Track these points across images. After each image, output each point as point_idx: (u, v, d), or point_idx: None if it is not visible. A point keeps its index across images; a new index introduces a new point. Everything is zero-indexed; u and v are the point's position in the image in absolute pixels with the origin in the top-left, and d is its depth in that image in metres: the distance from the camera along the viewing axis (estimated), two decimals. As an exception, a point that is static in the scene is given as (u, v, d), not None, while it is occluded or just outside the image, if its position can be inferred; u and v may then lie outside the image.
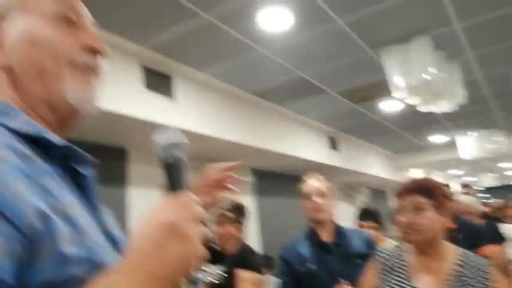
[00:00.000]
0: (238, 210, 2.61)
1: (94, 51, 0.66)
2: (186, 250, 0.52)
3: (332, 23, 2.84)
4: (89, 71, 0.66)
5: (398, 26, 3.01)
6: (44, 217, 0.49)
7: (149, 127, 3.16)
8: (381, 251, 1.61)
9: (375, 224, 2.86)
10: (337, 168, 6.02)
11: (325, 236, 1.97)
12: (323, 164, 5.55)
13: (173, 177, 0.59)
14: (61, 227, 0.50)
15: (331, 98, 4.43)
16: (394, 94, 3.39)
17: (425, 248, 1.44)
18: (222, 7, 2.54)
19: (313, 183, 2.04)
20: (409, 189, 1.46)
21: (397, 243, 1.88)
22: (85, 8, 0.71)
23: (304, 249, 1.95)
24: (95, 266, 0.52)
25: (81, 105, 0.65)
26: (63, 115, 0.64)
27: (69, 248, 0.50)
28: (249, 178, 5.34)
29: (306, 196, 2.01)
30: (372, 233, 2.79)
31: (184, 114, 3.44)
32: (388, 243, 2.79)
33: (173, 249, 0.51)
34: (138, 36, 2.83)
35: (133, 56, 3.02)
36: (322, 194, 1.99)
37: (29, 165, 0.53)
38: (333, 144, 5.93)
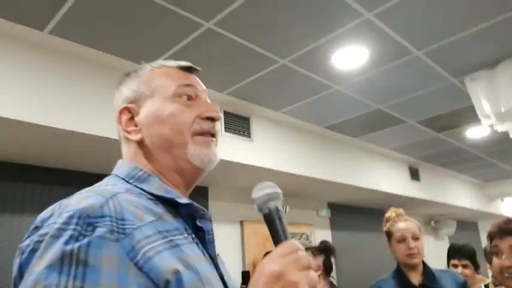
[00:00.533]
0: (324, 252, 2.57)
1: (211, 120, 0.78)
2: None
3: (410, 56, 2.79)
4: (208, 136, 0.78)
5: (482, 52, 2.86)
6: (175, 272, 0.57)
7: (227, 165, 3.29)
8: None
9: (469, 263, 2.64)
10: (419, 200, 5.68)
11: (415, 277, 1.91)
12: (403, 196, 5.29)
13: (275, 228, 0.62)
14: (188, 278, 0.58)
15: (410, 128, 4.27)
16: (482, 121, 3.19)
17: None
18: (299, 51, 2.62)
19: (405, 225, 1.96)
20: (507, 230, 1.36)
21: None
22: (199, 81, 0.83)
23: None
24: None
25: (204, 164, 0.77)
26: (190, 176, 0.77)
27: None
28: (325, 213, 5.25)
29: (400, 240, 1.93)
30: (465, 272, 2.58)
31: (262, 152, 3.53)
32: (481, 281, 2.56)
33: None
34: (219, 86, 3.01)
35: (214, 102, 3.20)
36: (416, 237, 1.92)
37: (162, 223, 0.64)
38: (414, 174, 5.64)
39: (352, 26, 2.39)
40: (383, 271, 2.07)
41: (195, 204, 0.72)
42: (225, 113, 3.28)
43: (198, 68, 0.84)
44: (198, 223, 0.72)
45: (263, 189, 0.66)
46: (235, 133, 3.32)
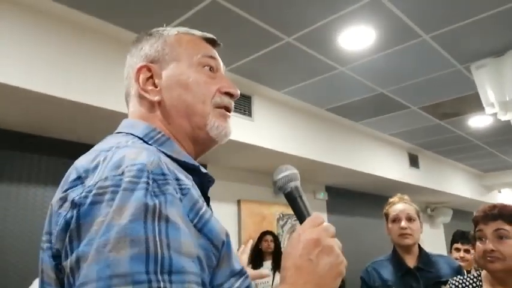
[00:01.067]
0: None
1: (230, 95, 0.79)
2: (332, 260, 0.62)
3: (417, 39, 2.74)
4: (226, 110, 0.78)
5: (490, 39, 2.81)
6: (227, 235, 0.60)
7: (227, 144, 3.26)
8: (457, 279, 1.57)
9: (471, 249, 2.70)
10: (417, 187, 5.70)
11: (410, 261, 1.92)
12: (402, 182, 5.30)
13: (298, 205, 0.69)
14: (230, 242, 0.61)
15: (413, 114, 4.24)
16: (486, 110, 3.16)
17: (506, 277, 1.38)
18: (304, 29, 2.57)
19: (401, 206, 1.97)
20: (492, 215, 1.41)
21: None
22: (219, 58, 0.83)
23: (388, 274, 1.92)
24: (248, 281, 0.62)
25: (220, 137, 0.77)
26: (203, 146, 0.77)
27: (236, 264, 0.61)
28: (323, 196, 5.27)
29: (394, 220, 1.95)
30: (466, 257, 2.64)
31: (262, 132, 3.51)
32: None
33: (322, 261, 0.61)
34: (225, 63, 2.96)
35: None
36: (410, 218, 1.93)
37: (196, 189, 0.62)
38: (413, 161, 5.64)
39: (360, 5, 2.34)
40: (378, 255, 2.09)
41: (209, 173, 0.72)
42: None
43: (220, 43, 0.85)
44: (208, 194, 0.74)
45: (283, 172, 0.72)
46: (236, 111, 3.29)
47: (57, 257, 0.54)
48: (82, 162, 0.59)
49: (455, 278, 1.59)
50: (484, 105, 3.13)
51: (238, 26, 2.48)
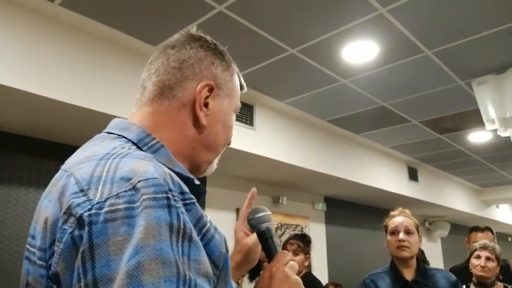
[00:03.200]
0: (303, 240, 2.71)
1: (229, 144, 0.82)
2: None
3: (420, 54, 2.77)
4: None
5: (492, 56, 2.85)
6: (227, 250, 0.61)
7: (227, 152, 3.28)
8: None
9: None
10: (416, 200, 5.71)
11: (408, 274, 1.94)
12: (400, 195, 5.31)
13: (268, 244, 0.77)
14: (228, 259, 0.61)
15: (413, 128, 4.27)
16: (486, 126, 3.18)
17: None
18: (309, 42, 2.60)
19: (400, 219, 1.98)
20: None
21: None
22: None
23: (385, 286, 1.94)
24: None
25: (206, 173, 0.80)
26: (193, 174, 0.73)
27: (231, 283, 0.62)
28: (321, 206, 5.27)
29: (393, 232, 1.96)
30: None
31: (264, 142, 3.53)
32: None
33: None
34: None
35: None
36: (409, 231, 1.95)
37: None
38: (412, 174, 5.65)
39: (365, 20, 2.37)
40: (375, 267, 2.09)
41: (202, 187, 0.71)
42: (230, 99, 3.26)
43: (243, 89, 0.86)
44: None
45: (259, 212, 0.81)
46: (238, 120, 3.31)
47: (54, 278, 0.51)
48: (81, 172, 0.55)
49: None
50: (485, 121, 3.16)
51: (244, 37, 2.51)
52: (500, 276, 2.62)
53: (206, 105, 0.72)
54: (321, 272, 4.62)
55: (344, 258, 5.32)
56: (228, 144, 0.81)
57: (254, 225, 0.80)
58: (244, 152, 3.35)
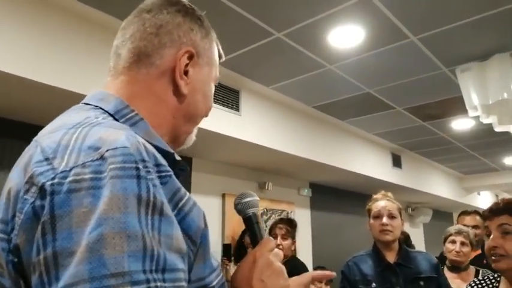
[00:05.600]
0: (290, 225, 2.74)
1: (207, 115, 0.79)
2: (282, 282, 0.66)
3: (405, 40, 2.78)
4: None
5: (475, 43, 2.87)
6: (206, 225, 0.58)
7: (214, 137, 3.28)
8: (476, 280, 1.52)
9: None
10: (399, 187, 5.80)
11: (390, 256, 1.97)
12: (384, 181, 5.38)
13: (254, 229, 0.76)
14: (207, 234, 0.58)
15: (397, 115, 4.31)
16: (469, 112, 3.23)
17: None
18: (295, 26, 2.58)
19: (384, 203, 2.00)
20: (497, 209, 1.32)
21: None
22: None
23: (368, 268, 1.97)
24: (223, 278, 0.61)
25: (186, 145, 0.77)
26: (173, 146, 0.72)
27: (211, 260, 0.59)
28: (306, 192, 5.32)
29: (375, 216, 1.99)
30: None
31: (249, 127, 3.52)
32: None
33: (273, 282, 0.64)
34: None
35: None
36: (392, 215, 1.97)
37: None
38: (396, 161, 5.73)
39: (351, 4, 2.36)
40: (359, 251, 2.12)
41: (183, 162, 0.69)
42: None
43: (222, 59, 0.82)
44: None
45: (245, 197, 0.78)
46: (223, 105, 3.29)
47: (15, 250, 0.48)
48: (48, 141, 0.52)
49: (474, 279, 1.53)
50: (468, 108, 3.20)
51: (229, 19, 2.48)
52: (485, 261, 2.66)
53: (186, 73, 0.69)
54: (306, 257, 4.67)
55: (328, 243, 5.39)
56: (206, 115, 0.78)
57: (241, 209, 0.78)
58: (230, 137, 3.34)
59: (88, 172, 0.47)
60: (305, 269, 2.70)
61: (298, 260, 2.74)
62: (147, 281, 0.43)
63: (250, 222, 0.77)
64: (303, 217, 5.12)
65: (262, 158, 4.06)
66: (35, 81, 2.17)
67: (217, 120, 3.20)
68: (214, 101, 3.13)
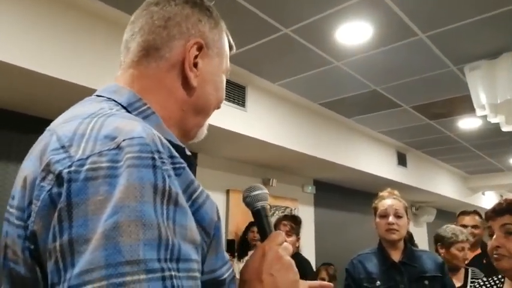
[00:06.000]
0: (295, 221, 2.74)
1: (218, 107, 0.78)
2: (291, 276, 0.64)
3: (414, 38, 2.75)
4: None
5: (485, 42, 2.84)
6: (219, 218, 0.58)
7: (219, 133, 3.27)
8: (480, 281, 1.51)
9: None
10: (404, 185, 5.77)
11: (395, 255, 1.97)
12: (389, 179, 5.36)
13: (263, 223, 0.75)
14: (220, 226, 0.58)
15: (404, 113, 4.28)
16: (477, 111, 3.20)
17: None
18: (303, 22, 2.56)
19: (390, 201, 1.99)
20: (500, 210, 1.32)
21: None
22: None
23: (373, 267, 1.96)
24: (231, 273, 0.60)
25: (197, 139, 0.76)
26: (184, 140, 0.73)
27: (223, 252, 0.59)
28: (310, 189, 5.31)
29: (382, 215, 1.98)
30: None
31: (255, 123, 3.51)
32: None
33: (283, 277, 0.63)
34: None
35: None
36: (398, 215, 1.96)
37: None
38: (401, 159, 5.70)
39: (359, 0, 2.34)
40: (362, 249, 2.11)
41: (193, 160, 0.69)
42: (222, 79, 3.22)
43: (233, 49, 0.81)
44: None
45: (255, 190, 0.77)
46: (230, 101, 3.28)
47: (32, 237, 0.48)
48: (64, 130, 0.53)
49: (478, 281, 1.52)
50: (475, 107, 3.17)
51: (237, 15, 2.46)
52: (485, 260, 2.67)
53: (195, 65, 0.68)
54: (309, 253, 4.67)
55: (331, 241, 5.39)
56: (218, 107, 0.77)
57: (249, 203, 0.76)
58: (236, 133, 3.33)
59: (105, 161, 0.47)
60: (308, 265, 2.71)
61: (302, 255, 2.75)
62: (162, 269, 0.44)
63: (259, 215, 0.76)
64: (306, 214, 5.12)
65: (267, 155, 4.06)
66: (39, 73, 2.18)
67: (223, 116, 3.19)
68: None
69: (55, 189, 0.47)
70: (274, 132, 3.70)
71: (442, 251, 2.44)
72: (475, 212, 2.99)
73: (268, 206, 0.77)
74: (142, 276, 0.42)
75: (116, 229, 0.43)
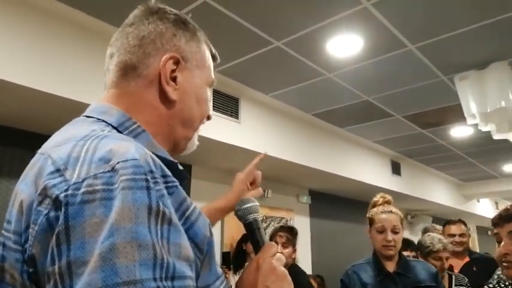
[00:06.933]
0: (291, 233, 2.72)
1: (208, 119, 0.80)
2: (287, 287, 0.66)
3: (403, 49, 2.79)
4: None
5: (474, 52, 2.89)
6: (211, 234, 0.59)
7: (213, 145, 3.28)
8: (490, 286, 1.49)
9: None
10: (399, 194, 5.79)
11: (389, 265, 1.95)
12: (384, 188, 5.36)
13: (255, 235, 0.76)
14: (212, 242, 0.60)
15: (397, 122, 4.32)
16: (468, 121, 3.24)
17: None
18: (294, 35, 2.60)
19: (387, 216, 1.97)
20: (506, 216, 1.29)
21: None
22: None
23: (367, 277, 1.95)
24: (224, 286, 0.61)
25: (188, 151, 0.78)
26: (174, 153, 0.75)
27: (217, 267, 0.60)
28: (306, 199, 5.31)
29: (379, 230, 1.96)
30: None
31: (249, 134, 3.52)
32: None
33: (277, 287, 0.64)
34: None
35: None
36: (396, 231, 1.94)
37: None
38: (396, 168, 5.73)
39: (349, 13, 2.38)
40: (358, 259, 2.11)
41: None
42: (214, 91, 3.24)
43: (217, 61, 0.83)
44: None
45: (245, 203, 0.78)
46: (223, 113, 3.29)
47: (30, 261, 0.49)
48: (58, 153, 0.53)
49: (489, 285, 1.49)
50: (466, 116, 3.21)
51: (229, 28, 2.49)
52: (474, 268, 2.69)
53: (174, 79, 0.69)
54: (305, 264, 4.65)
55: (328, 251, 5.37)
56: (208, 119, 0.79)
57: (241, 216, 0.78)
58: (230, 144, 3.34)
59: (100, 183, 0.48)
60: (304, 276, 2.69)
61: (298, 267, 2.73)
62: None
63: (251, 228, 0.77)
64: (302, 224, 5.11)
65: (262, 166, 4.02)
66: (29, 87, 2.18)
67: (217, 128, 3.20)
68: (214, 109, 3.15)
69: (52, 213, 0.47)
70: (268, 143, 3.71)
71: (421, 259, 2.47)
72: (460, 221, 3.03)
73: (261, 218, 0.78)
74: None
75: (112, 251, 0.44)
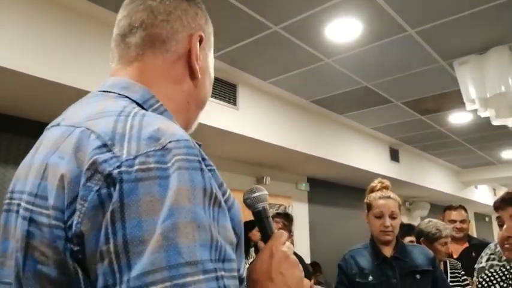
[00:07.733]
0: (287, 219, 2.73)
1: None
2: (298, 273, 0.66)
3: (403, 34, 2.76)
4: None
5: (473, 37, 2.86)
6: (241, 222, 0.59)
7: (211, 132, 3.27)
8: (487, 272, 1.49)
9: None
10: (397, 181, 5.80)
11: (387, 250, 1.96)
12: (381, 175, 5.38)
13: (264, 224, 0.76)
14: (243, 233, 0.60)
15: (395, 109, 4.30)
16: (467, 105, 3.22)
17: None
18: (292, 19, 2.56)
19: (385, 201, 1.96)
20: (509, 199, 1.29)
21: None
22: None
23: (365, 262, 1.96)
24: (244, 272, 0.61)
25: (191, 131, 0.76)
26: None
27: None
28: (304, 186, 5.32)
29: (377, 216, 1.96)
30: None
31: (247, 121, 3.50)
32: None
33: (291, 275, 0.64)
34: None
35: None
36: (394, 216, 1.94)
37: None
38: (394, 155, 5.73)
39: (348, -3, 2.34)
40: (356, 245, 2.11)
41: None
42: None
43: None
44: None
45: (254, 192, 0.78)
46: (221, 99, 3.27)
47: (76, 238, 0.46)
48: (101, 127, 0.51)
49: (486, 272, 1.49)
50: (465, 101, 3.19)
51: (226, 13, 2.45)
52: (473, 254, 2.71)
53: (198, 61, 0.71)
54: (303, 251, 4.69)
55: (326, 237, 5.41)
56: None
57: (250, 204, 0.78)
58: (228, 131, 3.33)
59: (152, 162, 0.47)
60: (303, 262, 2.71)
61: (296, 253, 2.75)
62: (215, 270, 0.45)
63: (260, 216, 0.77)
64: (300, 211, 5.13)
65: (260, 153, 4.06)
66: (27, 74, 2.16)
67: (215, 115, 3.18)
68: (212, 95, 3.13)
69: (104, 190, 0.46)
70: (267, 130, 3.70)
71: (423, 245, 2.48)
72: (461, 207, 3.04)
73: (268, 207, 0.79)
74: (201, 277, 0.43)
75: (174, 230, 0.44)
